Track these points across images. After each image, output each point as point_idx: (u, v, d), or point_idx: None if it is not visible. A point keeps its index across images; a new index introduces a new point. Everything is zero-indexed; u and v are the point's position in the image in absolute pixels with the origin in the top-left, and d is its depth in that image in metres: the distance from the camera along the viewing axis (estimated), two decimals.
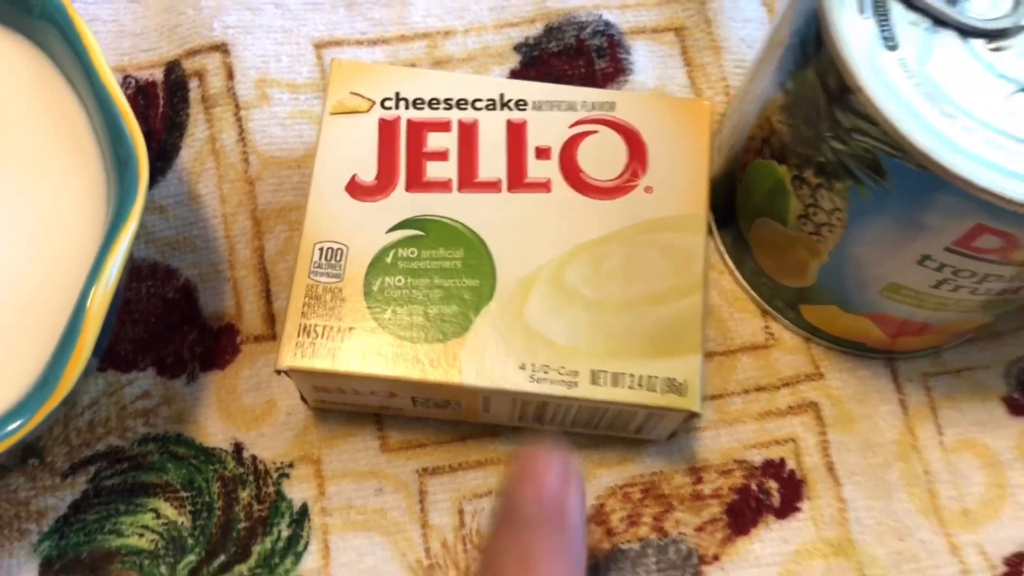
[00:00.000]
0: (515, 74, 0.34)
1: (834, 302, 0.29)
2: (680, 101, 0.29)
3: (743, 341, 0.32)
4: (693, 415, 0.26)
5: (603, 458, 0.30)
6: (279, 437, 0.30)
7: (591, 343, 0.27)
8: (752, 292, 0.32)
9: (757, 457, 0.31)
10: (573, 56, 0.35)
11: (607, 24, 0.35)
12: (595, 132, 0.28)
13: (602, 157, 0.28)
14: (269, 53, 0.34)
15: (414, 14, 0.35)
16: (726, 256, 0.32)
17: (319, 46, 0.35)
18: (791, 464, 0.31)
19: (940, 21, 0.23)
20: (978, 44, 0.23)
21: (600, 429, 0.29)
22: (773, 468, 0.31)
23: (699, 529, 0.30)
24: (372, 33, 0.35)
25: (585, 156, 0.28)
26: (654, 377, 0.26)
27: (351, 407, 0.30)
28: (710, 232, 0.32)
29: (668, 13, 0.36)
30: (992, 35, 0.23)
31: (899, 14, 0.23)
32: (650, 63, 0.35)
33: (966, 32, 0.23)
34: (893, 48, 0.22)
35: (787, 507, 0.30)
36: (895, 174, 0.23)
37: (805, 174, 0.26)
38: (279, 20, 0.35)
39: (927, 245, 0.24)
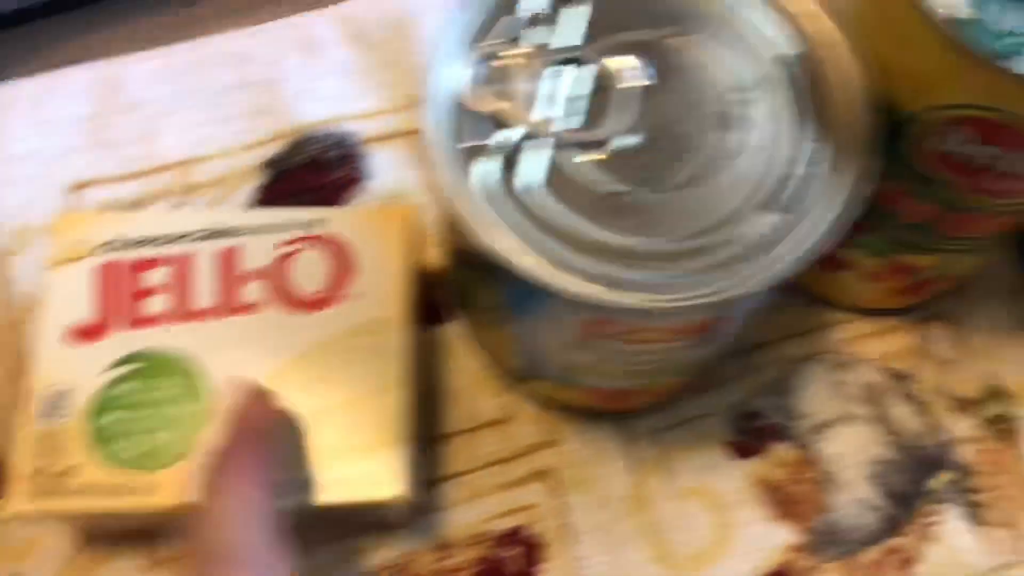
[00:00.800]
0: (262, 191, 0.37)
1: (547, 379, 0.32)
2: (382, 210, 0.32)
3: (486, 418, 0.34)
4: (405, 501, 0.29)
5: (358, 545, 0.33)
6: (46, 568, 0.32)
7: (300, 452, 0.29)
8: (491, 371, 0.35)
9: (499, 527, 0.33)
10: (315, 169, 0.37)
11: (346, 135, 0.38)
12: (305, 249, 0.31)
13: (311, 272, 0.31)
14: (24, 201, 0.36)
15: (163, 147, 0.38)
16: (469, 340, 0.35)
17: (75, 188, 0.37)
18: (531, 529, 0.33)
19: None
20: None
21: (337, 526, 0.31)
22: (514, 536, 0.33)
23: None
24: (125, 170, 0.37)
25: (295, 273, 0.31)
26: (363, 475, 0.29)
27: (117, 531, 0.32)
28: (436, 324, 0.35)
29: (407, 118, 0.39)
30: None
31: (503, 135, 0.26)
32: (386, 168, 0.38)
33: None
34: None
35: (527, 570, 0.33)
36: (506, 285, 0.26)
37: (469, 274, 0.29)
38: (34, 167, 0.37)
39: (567, 337, 0.27)
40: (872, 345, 0.36)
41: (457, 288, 0.32)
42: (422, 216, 0.35)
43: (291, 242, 0.31)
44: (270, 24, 0.40)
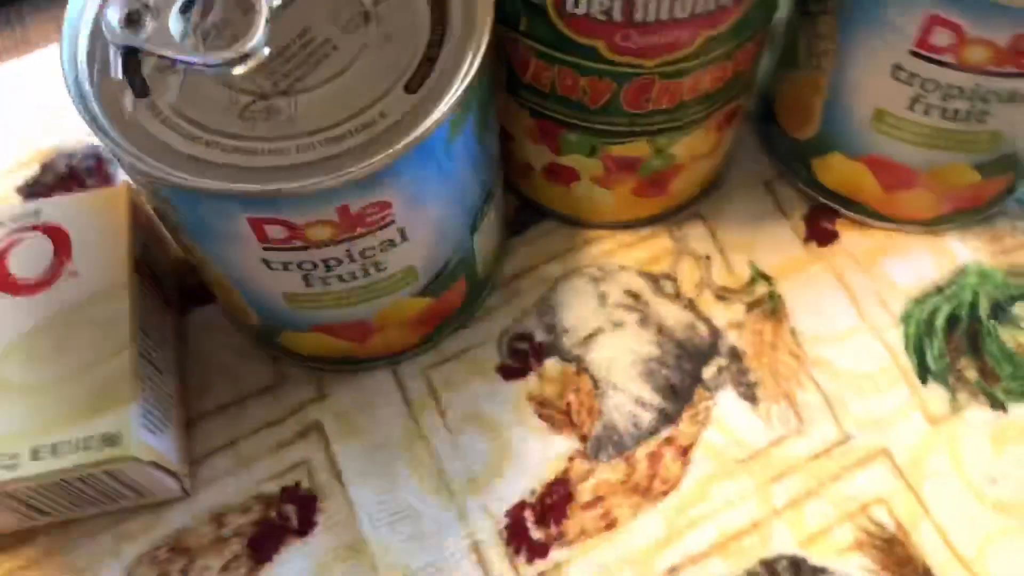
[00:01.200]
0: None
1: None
2: (100, 193, 0.33)
3: (255, 387, 0.34)
4: (136, 460, 0.29)
5: (128, 530, 0.32)
6: None
7: (30, 424, 0.29)
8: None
9: (274, 488, 0.33)
10: (68, 183, 0.38)
11: (95, 148, 0.39)
12: (21, 240, 0.31)
13: (29, 259, 0.31)
14: None
15: None
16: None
17: None
18: (305, 485, 0.33)
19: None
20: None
21: (105, 504, 0.31)
22: (289, 493, 0.33)
23: (223, 569, 0.31)
24: None
25: (13, 262, 0.31)
26: (91, 436, 0.29)
27: None
28: (197, 306, 0.35)
29: None
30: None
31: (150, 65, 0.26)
32: None
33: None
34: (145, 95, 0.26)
35: (305, 525, 0.32)
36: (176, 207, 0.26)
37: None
38: None
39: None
40: (631, 254, 0.36)
41: (176, 239, 0.32)
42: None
43: (9, 234, 0.32)
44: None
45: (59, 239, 0.31)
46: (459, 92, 0.25)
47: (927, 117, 0.31)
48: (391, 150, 0.24)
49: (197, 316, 0.36)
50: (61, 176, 0.38)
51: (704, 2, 0.27)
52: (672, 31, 0.28)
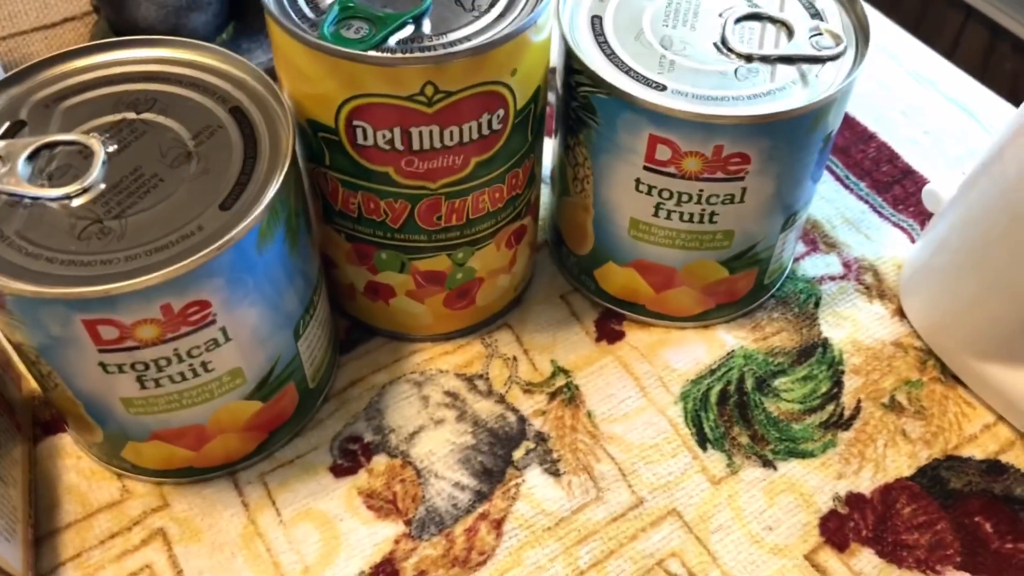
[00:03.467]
0: None
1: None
2: None
3: (102, 502, 0.37)
4: None
5: None
6: None
7: None
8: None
9: None
10: None
11: None
12: None
13: None
14: None
15: None
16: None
17: None
18: None
19: None
20: None
21: None
22: None
23: None
24: None
25: None
26: None
27: None
28: (50, 434, 0.38)
29: None
30: None
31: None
32: None
33: None
34: None
35: None
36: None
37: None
38: None
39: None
40: (449, 360, 0.41)
41: (26, 366, 0.36)
42: None
43: None
44: None
45: None
46: (264, 204, 0.30)
47: (669, 221, 0.38)
48: (204, 252, 0.29)
49: (49, 444, 0.38)
50: None
51: (468, 132, 0.33)
52: (447, 156, 0.34)
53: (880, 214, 0.48)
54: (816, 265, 0.45)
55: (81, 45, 0.35)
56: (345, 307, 0.42)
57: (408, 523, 0.36)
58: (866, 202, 0.48)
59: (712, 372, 0.41)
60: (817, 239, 0.47)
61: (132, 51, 0.36)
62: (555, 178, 0.42)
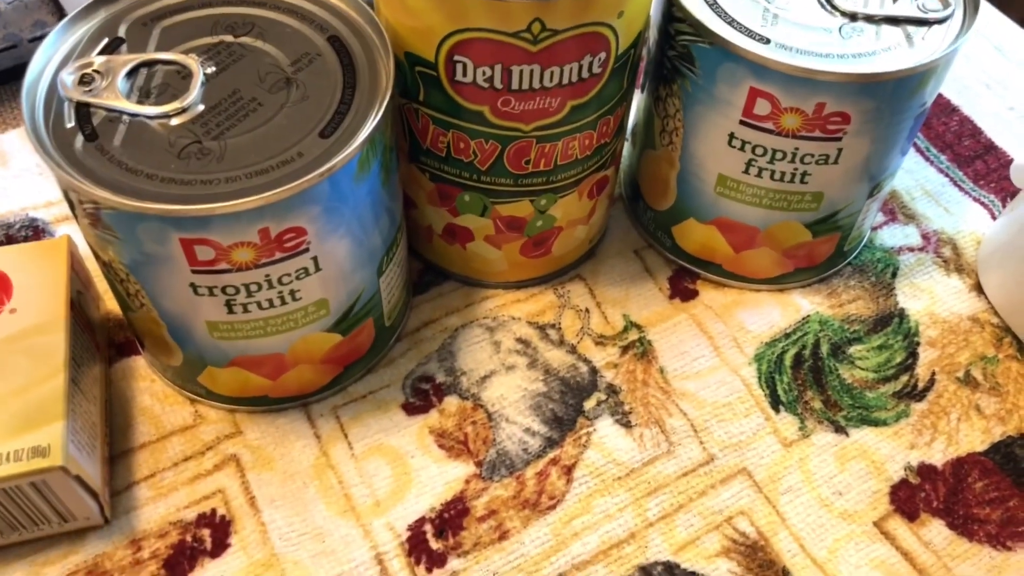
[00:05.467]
0: None
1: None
2: (41, 243, 0.36)
3: (175, 426, 0.37)
4: (64, 471, 0.31)
5: (47, 557, 0.34)
6: None
7: None
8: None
9: (191, 515, 0.35)
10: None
11: (32, 219, 0.42)
12: None
13: None
14: None
15: None
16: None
17: None
18: (221, 511, 0.35)
19: None
20: None
21: (27, 530, 0.33)
22: (205, 519, 0.35)
23: None
24: None
25: None
26: (21, 449, 0.31)
27: None
28: (124, 357, 0.38)
29: None
30: None
31: (100, 117, 0.31)
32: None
33: None
34: None
35: (218, 546, 0.34)
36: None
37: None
38: None
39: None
40: (522, 308, 0.41)
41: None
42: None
43: None
44: None
45: (2, 282, 0.35)
46: (365, 135, 0.30)
47: (760, 179, 0.37)
48: (307, 177, 0.29)
49: (123, 366, 0.39)
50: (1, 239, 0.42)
51: (568, 74, 0.33)
52: (544, 97, 0.33)
53: (960, 188, 0.47)
54: (894, 235, 0.45)
55: None
56: (420, 249, 0.42)
57: (479, 464, 0.36)
58: (947, 175, 0.48)
59: (787, 336, 0.41)
60: (896, 209, 0.46)
61: None
62: (638, 131, 0.42)
